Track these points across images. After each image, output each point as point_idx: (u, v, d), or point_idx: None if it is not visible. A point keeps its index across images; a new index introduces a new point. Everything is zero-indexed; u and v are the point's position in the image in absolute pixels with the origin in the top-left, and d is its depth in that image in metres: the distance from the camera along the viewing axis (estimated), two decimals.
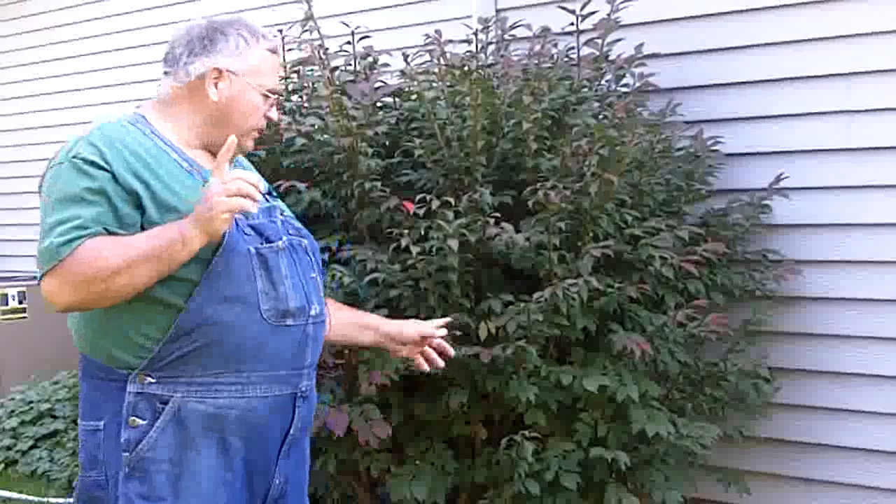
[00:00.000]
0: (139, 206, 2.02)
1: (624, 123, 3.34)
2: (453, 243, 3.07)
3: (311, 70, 3.68)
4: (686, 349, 3.38)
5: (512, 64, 3.55)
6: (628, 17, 3.75)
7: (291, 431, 2.19)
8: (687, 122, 3.74)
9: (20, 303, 5.76)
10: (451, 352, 2.51)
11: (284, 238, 2.18)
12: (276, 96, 2.21)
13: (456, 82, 3.45)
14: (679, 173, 3.61)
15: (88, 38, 6.44)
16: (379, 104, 3.56)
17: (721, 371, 3.49)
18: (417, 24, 4.23)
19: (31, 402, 5.28)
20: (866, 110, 3.53)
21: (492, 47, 3.92)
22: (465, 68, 3.41)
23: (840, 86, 3.58)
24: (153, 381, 2.04)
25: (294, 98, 3.71)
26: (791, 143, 3.68)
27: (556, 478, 3.16)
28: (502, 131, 3.44)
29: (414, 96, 3.54)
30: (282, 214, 2.27)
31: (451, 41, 3.60)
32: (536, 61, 3.58)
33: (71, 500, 4.47)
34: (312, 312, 2.17)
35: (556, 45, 3.79)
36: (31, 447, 5.08)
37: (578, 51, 3.77)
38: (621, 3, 3.69)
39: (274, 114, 2.23)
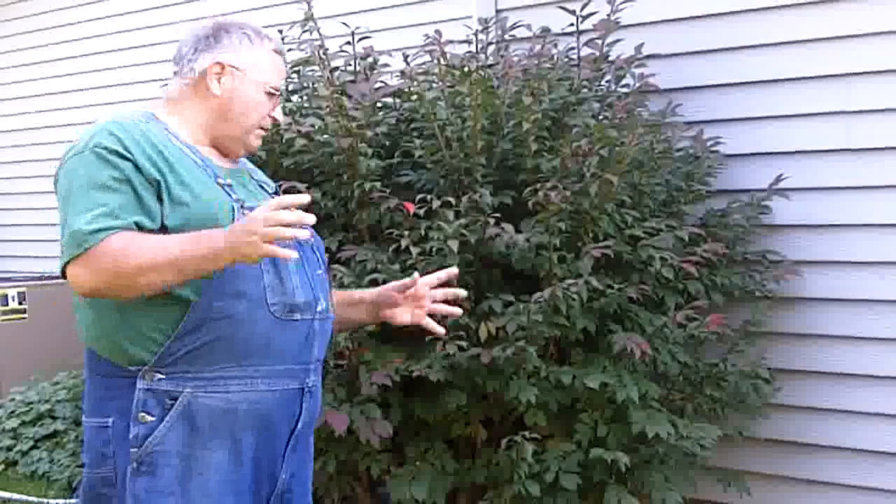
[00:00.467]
0: (159, 198, 2.03)
1: (624, 124, 3.35)
2: (453, 244, 3.08)
3: (312, 70, 3.69)
4: (686, 350, 3.38)
5: (512, 64, 3.55)
6: (628, 18, 3.75)
7: (299, 426, 2.20)
8: (687, 123, 3.74)
9: (20, 303, 5.75)
10: (458, 311, 2.42)
11: None
12: (279, 94, 2.22)
13: (456, 83, 3.45)
14: (679, 174, 3.61)
15: (91, 38, 6.44)
16: (379, 104, 3.57)
17: (721, 372, 3.50)
18: (417, 25, 4.23)
19: (31, 402, 5.27)
20: (866, 111, 3.53)
21: (492, 48, 3.93)
22: (465, 69, 3.41)
23: (840, 86, 3.57)
24: (162, 377, 2.05)
25: (294, 98, 3.71)
26: (791, 144, 3.68)
27: (556, 478, 3.16)
28: (502, 132, 3.44)
29: (414, 97, 3.54)
30: None
31: (451, 41, 3.60)
32: (536, 62, 3.58)
33: (71, 500, 4.47)
34: (319, 308, 2.18)
35: (556, 46, 3.79)
36: (31, 448, 5.07)
37: (578, 51, 3.78)
38: (621, 3, 3.69)
39: (279, 114, 2.25)
